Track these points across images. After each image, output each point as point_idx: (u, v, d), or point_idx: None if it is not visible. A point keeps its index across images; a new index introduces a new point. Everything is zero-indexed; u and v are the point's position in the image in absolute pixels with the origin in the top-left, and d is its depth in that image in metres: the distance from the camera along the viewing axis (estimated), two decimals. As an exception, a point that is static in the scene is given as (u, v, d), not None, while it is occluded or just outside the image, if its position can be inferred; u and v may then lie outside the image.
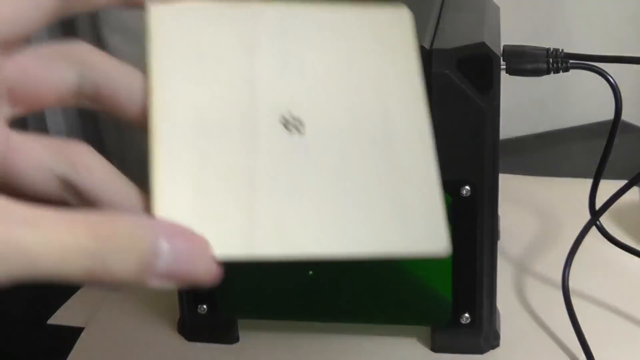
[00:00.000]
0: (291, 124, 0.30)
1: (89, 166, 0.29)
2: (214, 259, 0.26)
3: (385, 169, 0.30)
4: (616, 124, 0.50)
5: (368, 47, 0.33)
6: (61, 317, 0.60)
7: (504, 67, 0.50)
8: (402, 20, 0.34)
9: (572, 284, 0.54)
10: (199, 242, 0.26)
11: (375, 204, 0.30)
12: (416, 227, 0.29)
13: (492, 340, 0.53)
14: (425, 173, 0.30)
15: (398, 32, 0.33)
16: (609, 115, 0.50)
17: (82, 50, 0.30)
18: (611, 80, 0.50)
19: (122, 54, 0.74)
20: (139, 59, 0.31)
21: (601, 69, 0.50)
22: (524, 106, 0.91)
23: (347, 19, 0.33)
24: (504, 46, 0.51)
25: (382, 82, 0.32)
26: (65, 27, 0.78)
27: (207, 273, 0.26)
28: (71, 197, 0.29)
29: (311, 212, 0.29)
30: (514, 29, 0.62)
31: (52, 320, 0.60)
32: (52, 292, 0.62)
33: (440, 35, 0.49)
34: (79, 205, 0.29)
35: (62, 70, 0.29)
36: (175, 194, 0.28)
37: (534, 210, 0.70)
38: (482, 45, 0.46)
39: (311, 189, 0.29)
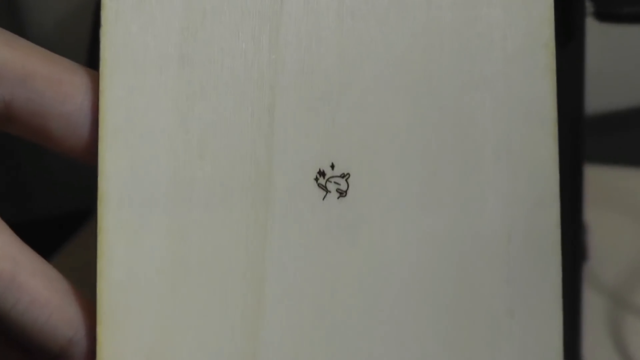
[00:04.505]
0: (330, 182, 0.24)
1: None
2: None
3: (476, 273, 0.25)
4: None
5: (467, 42, 0.24)
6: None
7: (592, 10, 0.44)
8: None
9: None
10: None
11: (450, 337, 0.24)
12: None
13: (576, 392, 0.48)
14: (544, 284, 0.24)
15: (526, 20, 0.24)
16: None
17: None
18: None
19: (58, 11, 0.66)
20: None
21: None
22: (620, 68, 0.83)
23: None
24: (592, -19, 0.45)
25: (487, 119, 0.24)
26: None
27: None
28: None
29: (340, 344, 0.24)
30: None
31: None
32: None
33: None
34: None
35: None
36: (131, 327, 0.23)
37: (638, 218, 0.62)
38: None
39: (346, 304, 0.24)
